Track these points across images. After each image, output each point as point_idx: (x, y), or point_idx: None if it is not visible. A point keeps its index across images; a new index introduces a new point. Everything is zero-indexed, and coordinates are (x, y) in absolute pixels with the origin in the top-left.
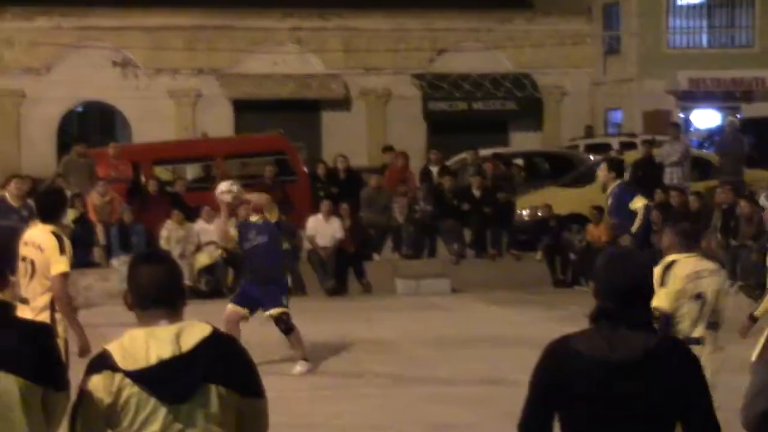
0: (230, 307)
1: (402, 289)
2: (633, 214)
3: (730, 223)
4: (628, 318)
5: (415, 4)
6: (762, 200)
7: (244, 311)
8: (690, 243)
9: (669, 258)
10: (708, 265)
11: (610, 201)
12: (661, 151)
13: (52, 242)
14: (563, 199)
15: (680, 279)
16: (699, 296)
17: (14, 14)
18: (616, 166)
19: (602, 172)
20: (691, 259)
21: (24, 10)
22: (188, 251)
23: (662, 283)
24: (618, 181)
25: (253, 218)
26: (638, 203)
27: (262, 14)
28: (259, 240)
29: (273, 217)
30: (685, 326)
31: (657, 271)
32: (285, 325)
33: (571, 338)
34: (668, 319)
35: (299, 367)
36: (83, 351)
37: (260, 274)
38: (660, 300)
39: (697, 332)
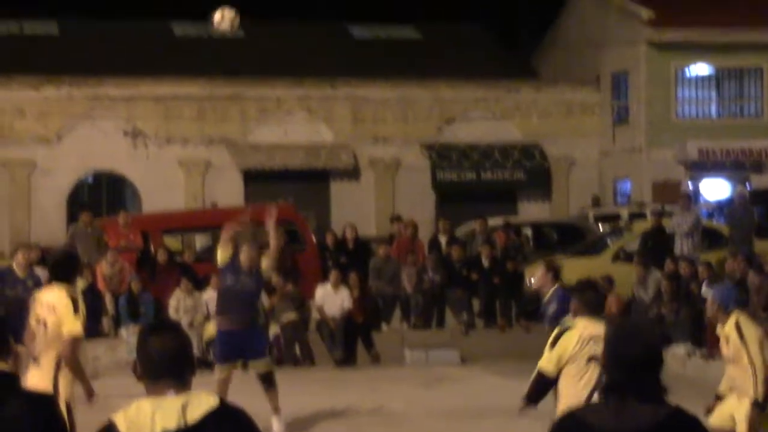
0: (221, 369)
1: (411, 360)
2: None
3: (741, 295)
4: (637, 390)
5: (422, 74)
6: (704, 290)
7: (235, 365)
8: (592, 310)
9: (572, 322)
10: None
11: (551, 308)
12: (672, 222)
13: (65, 303)
14: (572, 269)
15: (571, 343)
16: (594, 359)
17: (21, 83)
18: (555, 268)
19: (540, 273)
20: (591, 324)
21: (30, 78)
22: (197, 321)
23: (552, 345)
24: (557, 285)
25: (246, 264)
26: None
27: (271, 83)
28: (249, 284)
29: (262, 266)
30: (581, 387)
31: (553, 333)
32: (270, 381)
33: (581, 411)
34: (546, 380)
35: (276, 425)
36: (89, 395)
37: (243, 317)
38: (545, 361)
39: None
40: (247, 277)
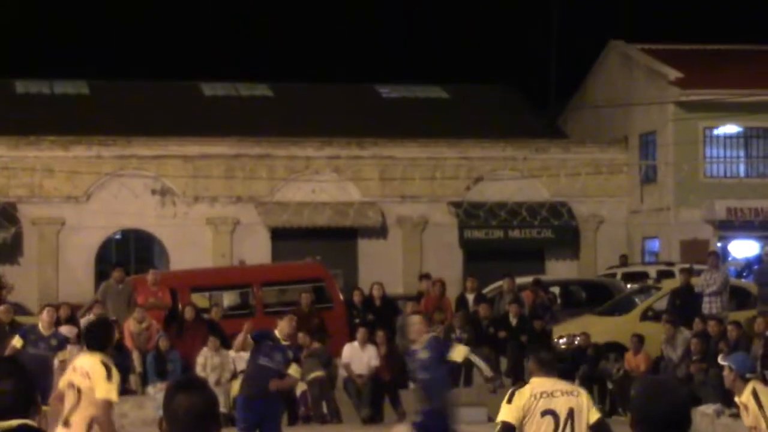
0: None
1: None
2: (448, 368)
3: None
4: None
5: (450, 134)
6: (720, 359)
7: None
8: (547, 368)
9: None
10: (564, 386)
11: (423, 354)
12: (700, 280)
13: (100, 370)
14: (600, 328)
15: (525, 397)
16: (548, 413)
17: (51, 142)
18: (429, 317)
19: (416, 325)
20: (547, 380)
21: (60, 138)
22: (224, 378)
23: (509, 401)
24: (431, 334)
25: (281, 337)
26: (458, 355)
27: (299, 143)
28: (281, 364)
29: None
30: None
31: (508, 392)
32: None
33: None
34: (512, 428)
35: None
36: None
37: (271, 393)
38: (504, 414)
39: None
40: (282, 356)
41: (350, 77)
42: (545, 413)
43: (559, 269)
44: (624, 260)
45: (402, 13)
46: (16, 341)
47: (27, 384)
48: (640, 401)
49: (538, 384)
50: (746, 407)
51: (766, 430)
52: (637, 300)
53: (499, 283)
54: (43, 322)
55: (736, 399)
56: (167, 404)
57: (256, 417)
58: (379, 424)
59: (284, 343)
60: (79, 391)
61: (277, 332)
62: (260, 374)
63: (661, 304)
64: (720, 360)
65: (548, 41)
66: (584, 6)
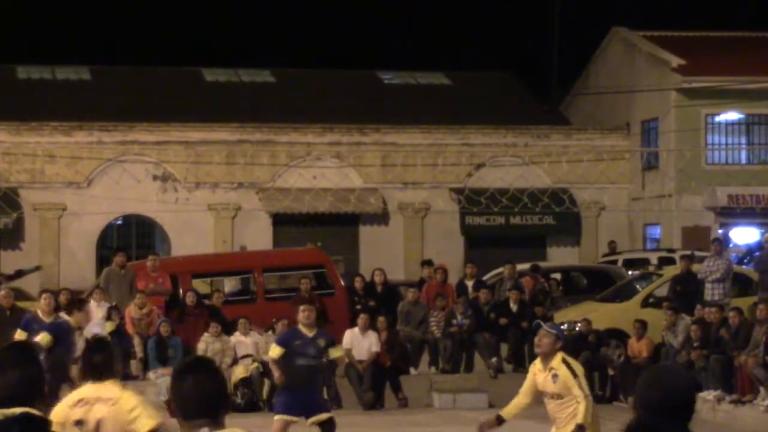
0: (278, 419)
1: (439, 404)
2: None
3: None
4: None
5: (452, 120)
6: (545, 326)
7: (294, 419)
8: (97, 373)
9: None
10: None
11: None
12: (703, 267)
13: None
14: (602, 314)
15: (64, 406)
16: (78, 423)
17: (52, 128)
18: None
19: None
20: (93, 386)
21: (61, 123)
22: (225, 364)
23: None
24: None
25: (306, 330)
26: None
27: (301, 129)
28: (314, 359)
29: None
30: None
31: None
32: (330, 427)
33: None
34: None
35: None
36: None
37: (309, 388)
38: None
39: None
40: (314, 349)
41: (352, 63)
42: (77, 423)
43: (560, 256)
44: (613, 246)
45: (404, 0)
46: (19, 335)
47: (33, 373)
48: (645, 385)
49: (83, 391)
50: (556, 374)
51: (579, 395)
52: (638, 286)
53: (500, 269)
54: (42, 309)
55: (538, 365)
56: (176, 385)
57: (297, 404)
58: (381, 409)
59: (311, 333)
60: None
61: (301, 327)
62: (299, 375)
63: (662, 291)
64: (544, 326)
65: (550, 28)
66: None
